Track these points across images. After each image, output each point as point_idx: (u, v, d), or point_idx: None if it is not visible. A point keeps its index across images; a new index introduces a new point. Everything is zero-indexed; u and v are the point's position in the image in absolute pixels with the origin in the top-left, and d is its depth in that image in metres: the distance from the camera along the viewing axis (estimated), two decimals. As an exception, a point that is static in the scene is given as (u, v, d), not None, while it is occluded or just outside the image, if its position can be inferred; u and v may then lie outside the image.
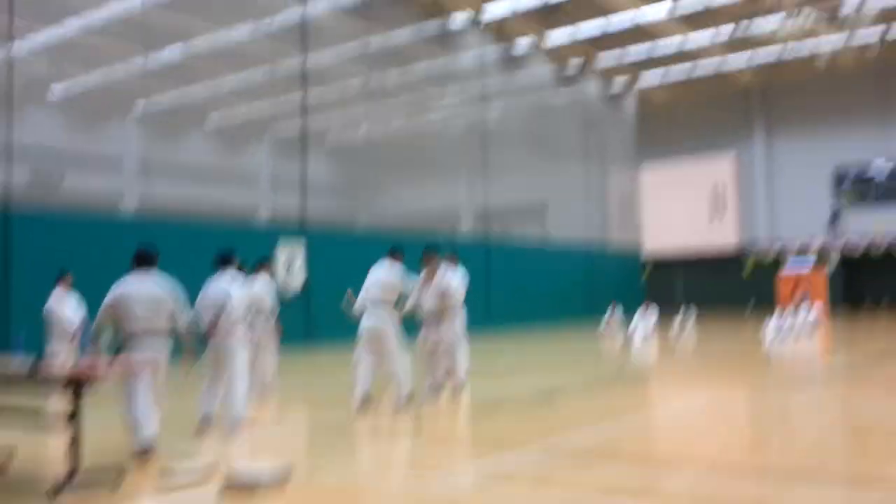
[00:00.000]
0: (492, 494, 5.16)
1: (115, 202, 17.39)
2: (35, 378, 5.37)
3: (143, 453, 6.14)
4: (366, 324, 8.93)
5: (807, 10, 22.67)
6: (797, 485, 5.39)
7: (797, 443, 6.83)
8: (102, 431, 7.71)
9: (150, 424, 6.28)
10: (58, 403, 8.73)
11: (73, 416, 5.17)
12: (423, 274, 9.66)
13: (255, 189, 21.92)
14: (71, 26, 16.96)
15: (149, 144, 17.61)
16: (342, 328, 12.88)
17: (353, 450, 6.96)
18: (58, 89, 17.75)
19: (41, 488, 5.18)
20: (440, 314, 9.50)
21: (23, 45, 15.51)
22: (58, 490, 5.08)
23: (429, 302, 9.48)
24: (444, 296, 9.48)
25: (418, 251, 9.68)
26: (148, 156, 17.47)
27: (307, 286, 18.56)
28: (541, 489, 5.23)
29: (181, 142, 20.42)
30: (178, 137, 20.26)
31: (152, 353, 6.51)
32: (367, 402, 8.68)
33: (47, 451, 7.53)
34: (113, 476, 5.39)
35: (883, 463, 5.92)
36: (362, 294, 9.00)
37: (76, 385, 5.19)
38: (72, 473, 5.17)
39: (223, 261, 7.98)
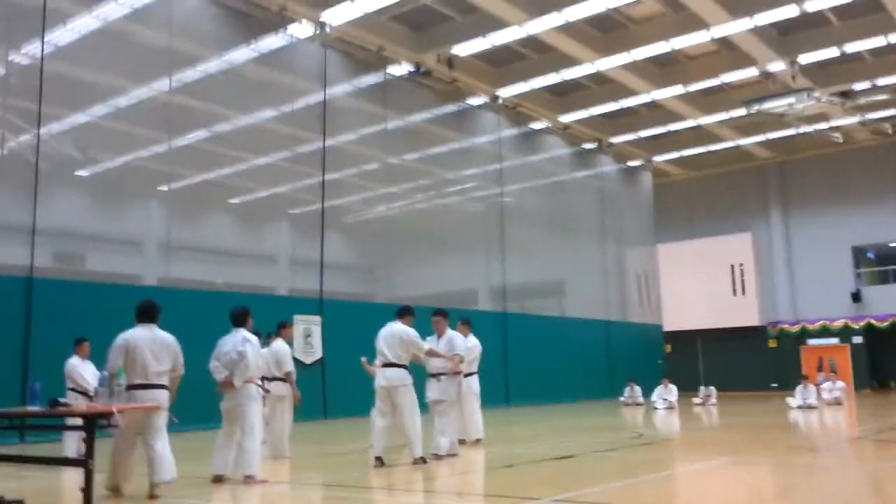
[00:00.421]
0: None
1: (136, 277, 17.68)
2: (53, 414, 5.44)
3: (162, 485, 6.53)
4: (377, 384, 8.98)
5: (817, 92, 23.09)
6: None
7: (817, 498, 6.69)
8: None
9: (170, 461, 6.67)
10: (72, 447, 8.78)
11: (88, 454, 5.21)
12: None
13: (274, 268, 22.16)
14: (98, 111, 17.61)
15: (171, 224, 17.98)
16: (359, 403, 12.87)
17: (365, 499, 6.89)
18: (83, 171, 18.29)
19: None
20: (440, 373, 9.48)
21: (51, 129, 16.11)
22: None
23: (432, 361, 9.47)
24: (448, 355, 9.46)
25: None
26: (170, 235, 17.83)
27: (324, 361, 18.58)
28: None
29: (203, 221, 20.82)
30: (201, 217, 20.67)
31: (156, 399, 6.67)
32: (381, 463, 8.62)
33: (64, 490, 7.54)
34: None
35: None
36: (377, 356, 9.08)
37: (91, 423, 5.25)
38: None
39: (238, 318, 8.09)
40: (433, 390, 9.50)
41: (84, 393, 9.55)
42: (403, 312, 9.15)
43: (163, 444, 6.77)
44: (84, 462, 5.24)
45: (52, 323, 13.37)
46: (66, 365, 10.00)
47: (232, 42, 18.67)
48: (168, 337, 6.99)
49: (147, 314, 7.00)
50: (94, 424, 5.30)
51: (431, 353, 9.19)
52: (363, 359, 10.62)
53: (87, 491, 5.22)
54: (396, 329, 8.95)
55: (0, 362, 12.96)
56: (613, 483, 7.29)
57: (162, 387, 6.86)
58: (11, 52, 15.52)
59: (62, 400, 5.86)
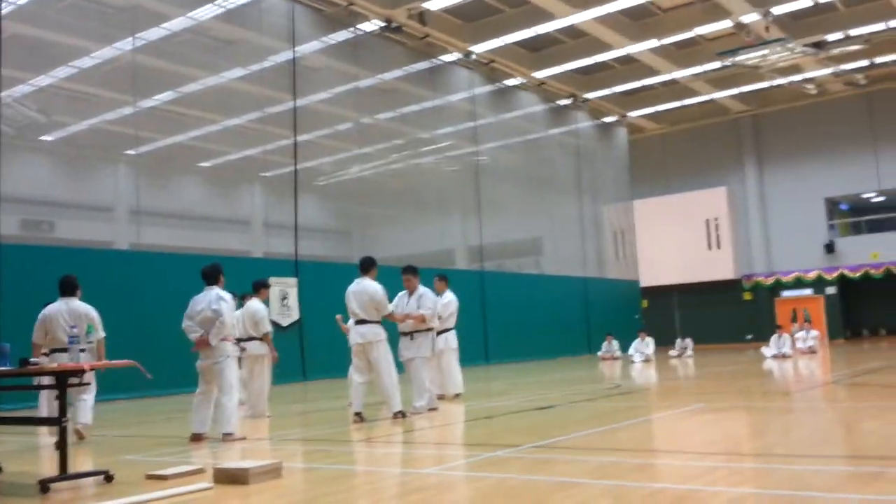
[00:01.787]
0: (484, 480, 5.10)
1: (107, 243, 17.43)
2: (23, 374, 5.35)
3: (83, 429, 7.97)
4: (352, 341, 8.95)
5: (791, 42, 23.02)
6: (789, 462, 5.34)
7: (792, 434, 6.78)
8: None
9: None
10: (44, 409, 8.75)
11: (61, 412, 5.13)
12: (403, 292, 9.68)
13: (248, 231, 21.96)
14: (60, 73, 17.17)
15: (140, 188, 17.68)
16: (338, 363, 12.85)
17: (345, 453, 6.89)
18: (48, 136, 17.90)
19: (34, 485, 5.11)
20: (413, 331, 9.45)
21: (12, 93, 15.69)
22: (49, 482, 5.03)
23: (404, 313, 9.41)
24: (411, 315, 9.39)
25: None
26: (139, 200, 17.54)
27: (301, 323, 18.52)
28: (532, 473, 5.17)
29: (174, 185, 20.52)
30: (171, 180, 20.37)
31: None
32: (360, 418, 8.62)
33: (38, 453, 7.48)
34: (103, 475, 5.34)
35: (878, 446, 5.89)
36: (350, 314, 9.03)
37: (62, 381, 5.16)
38: (63, 467, 5.12)
39: (209, 275, 7.97)
40: (407, 348, 9.48)
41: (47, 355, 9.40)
42: (367, 266, 9.02)
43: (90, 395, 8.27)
44: (58, 420, 5.16)
45: (23, 289, 13.14)
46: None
47: (197, -2, 18.21)
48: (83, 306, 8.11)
49: (68, 287, 8.16)
50: (66, 382, 5.20)
51: (390, 318, 9.07)
52: (338, 316, 10.57)
53: (61, 449, 5.15)
54: (365, 286, 8.85)
55: (-30, 329, 12.75)
56: (591, 430, 7.34)
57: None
58: (-32, 13, 15.05)
59: (32, 360, 5.74)
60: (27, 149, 16.69)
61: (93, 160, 18.42)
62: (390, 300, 9.19)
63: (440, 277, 11.64)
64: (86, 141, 18.26)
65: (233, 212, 21.66)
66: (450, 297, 11.43)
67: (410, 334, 9.44)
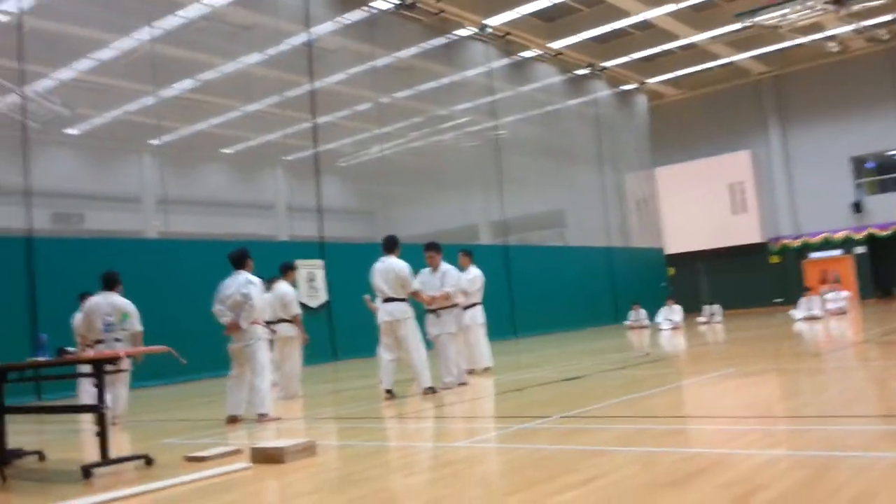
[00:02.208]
0: (514, 451, 5.17)
1: (136, 232, 17.68)
2: (61, 363, 5.49)
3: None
4: (380, 319, 9.03)
5: (810, 0, 22.57)
6: (822, 422, 5.35)
7: (823, 395, 6.78)
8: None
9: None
10: (86, 398, 9.01)
11: (100, 399, 5.26)
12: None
13: (273, 215, 22.14)
14: (81, 65, 17.33)
15: (166, 177, 17.87)
16: (368, 343, 12.98)
17: (377, 429, 7.00)
18: (72, 129, 18.11)
19: (77, 470, 5.27)
20: (439, 308, 9.49)
21: (35, 88, 15.89)
22: (91, 468, 5.18)
23: (429, 295, 9.45)
24: (434, 295, 9.43)
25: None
26: (166, 188, 17.72)
27: (330, 305, 18.68)
28: (562, 443, 5.23)
29: (198, 172, 20.74)
30: (195, 168, 20.58)
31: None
32: (391, 395, 8.73)
33: (79, 440, 7.69)
34: (143, 459, 5.48)
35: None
36: (377, 293, 9.11)
37: (100, 368, 5.29)
38: (104, 453, 5.26)
39: (237, 260, 8.08)
40: (433, 325, 9.54)
41: (92, 346, 9.62)
42: (391, 244, 9.09)
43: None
44: (97, 407, 5.29)
45: (56, 281, 13.41)
46: (72, 320, 10.06)
47: (211, -15, 18.26)
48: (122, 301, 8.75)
49: (109, 281, 8.81)
50: (103, 370, 5.33)
51: (417, 297, 9.15)
52: (366, 296, 10.68)
53: (102, 435, 5.29)
54: (390, 264, 8.93)
55: (8, 322, 13.06)
56: (621, 398, 7.38)
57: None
58: (-12, 11, 15.23)
59: (69, 349, 5.89)
60: (53, 143, 16.92)
61: (118, 151, 18.65)
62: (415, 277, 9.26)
63: (464, 253, 11.70)
64: (110, 132, 18.48)
65: (256, 196, 21.84)
66: (475, 272, 11.48)
67: (436, 311, 9.51)
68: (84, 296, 10.26)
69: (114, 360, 5.35)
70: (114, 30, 17.04)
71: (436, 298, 9.37)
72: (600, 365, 11.52)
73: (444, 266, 9.68)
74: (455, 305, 9.66)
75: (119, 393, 8.57)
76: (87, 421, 8.59)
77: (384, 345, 9.07)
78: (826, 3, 23.12)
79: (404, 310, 8.90)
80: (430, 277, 9.61)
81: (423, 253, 9.75)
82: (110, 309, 8.35)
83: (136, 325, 8.83)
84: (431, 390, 8.79)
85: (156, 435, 7.51)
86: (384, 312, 8.94)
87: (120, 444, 6.89)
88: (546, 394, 8.41)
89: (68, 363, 5.69)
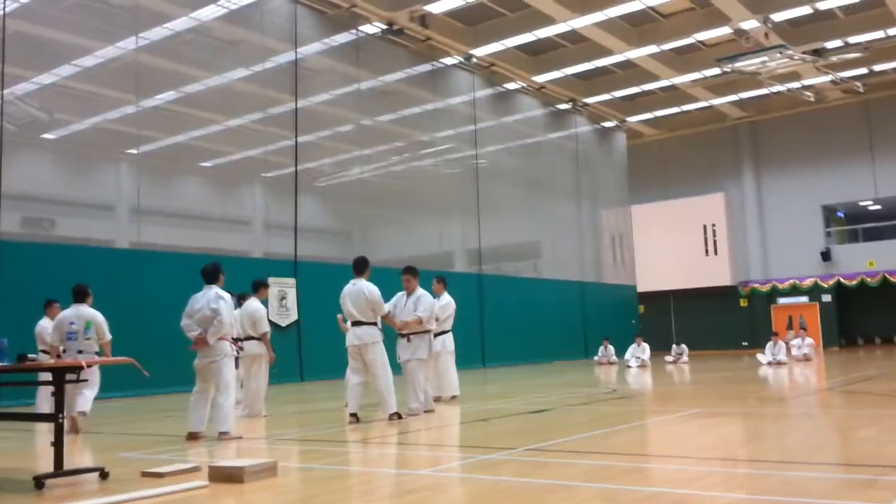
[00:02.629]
0: (478, 482, 5.14)
1: (108, 241, 17.46)
2: (21, 369, 5.38)
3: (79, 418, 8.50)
4: (348, 342, 8.98)
5: (790, 49, 23.10)
6: (784, 468, 5.38)
7: (786, 440, 6.82)
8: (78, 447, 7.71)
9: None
10: (44, 407, 8.87)
11: (58, 408, 5.16)
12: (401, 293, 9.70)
13: (248, 231, 21.98)
14: (63, 71, 17.20)
15: (142, 187, 17.70)
16: (336, 365, 12.89)
17: (341, 453, 6.93)
18: (49, 134, 17.93)
19: (29, 480, 5.15)
20: (411, 333, 9.46)
21: (14, 90, 15.73)
22: (44, 478, 5.06)
23: (401, 320, 9.43)
24: (415, 316, 9.41)
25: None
26: (140, 199, 17.56)
27: (299, 324, 18.55)
28: (526, 476, 5.21)
29: (175, 184, 20.57)
30: (172, 180, 20.41)
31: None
32: (356, 419, 8.65)
33: (34, 450, 7.52)
34: (98, 472, 5.37)
35: (873, 454, 5.93)
36: (346, 315, 9.06)
37: (60, 377, 5.20)
38: (58, 464, 5.15)
39: (209, 274, 8.01)
40: (404, 350, 9.49)
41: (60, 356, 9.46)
42: (361, 266, 9.04)
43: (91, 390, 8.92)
44: (54, 416, 5.19)
45: (22, 286, 13.18)
46: (36, 326, 9.89)
47: (199, -1, 18.27)
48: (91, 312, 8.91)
49: (80, 294, 8.97)
50: (63, 379, 5.23)
51: (388, 321, 9.11)
52: (339, 316, 10.60)
53: (57, 445, 5.18)
54: (360, 287, 8.87)
55: (-31, 326, 12.80)
56: (586, 433, 7.38)
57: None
58: (-29, 11, 15.08)
59: (30, 355, 5.78)
60: (29, 146, 16.71)
61: (95, 159, 18.45)
62: (387, 300, 9.23)
63: (438, 279, 11.69)
64: (88, 139, 18.28)
65: (233, 212, 21.67)
66: (447, 299, 11.47)
67: (408, 336, 9.46)
68: (50, 302, 10.12)
69: (75, 369, 5.26)
70: (99, 37, 16.96)
71: (408, 323, 9.34)
72: (567, 399, 11.52)
73: (419, 291, 9.65)
74: (427, 332, 9.63)
75: (87, 395, 8.76)
76: (44, 430, 8.43)
77: (351, 368, 9.02)
78: (804, 53, 23.67)
79: (373, 334, 8.85)
80: (404, 301, 9.58)
81: (400, 276, 9.72)
82: (78, 321, 8.68)
83: (105, 334, 8.96)
84: (397, 416, 8.73)
85: (114, 447, 7.37)
86: (352, 336, 8.90)
87: (76, 455, 6.75)
88: (512, 425, 8.39)
89: (28, 370, 5.58)
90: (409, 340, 9.46)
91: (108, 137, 18.56)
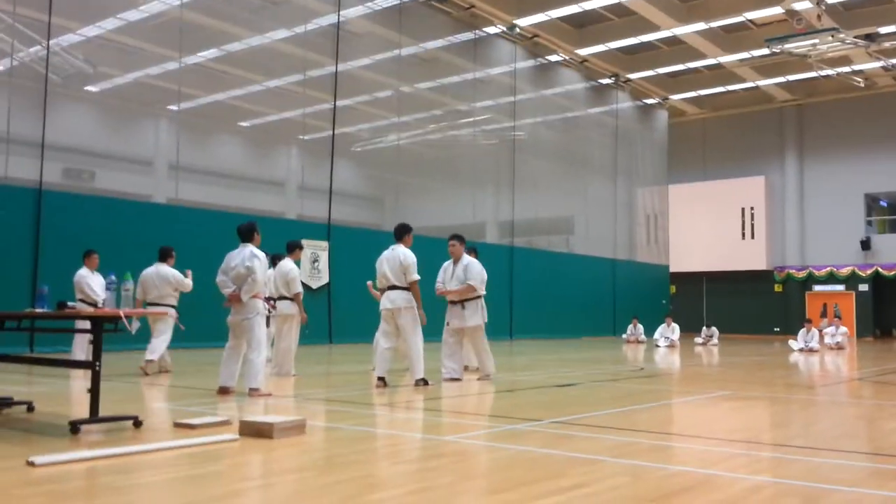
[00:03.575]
0: (503, 451, 5.18)
1: (146, 196, 17.70)
2: (60, 316, 5.50)
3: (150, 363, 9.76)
4: (382, 306, 9.05)
5: (842, 33, 22.50)
6: (809, 454, 5.34)
7: (813, 427, 6.77)
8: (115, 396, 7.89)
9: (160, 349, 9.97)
10: (80, 355, 9.08)
11: (95, 356, 5.28)
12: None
13: (283, 193, 22.14)
14: (108, 24, 17.35)
15: (181, 144, 17.88)
16: (364, 329, 13.01)
17: (367, 415, 7.01)
18: (93, 87, 18.13)
19: (65, 425, 5.29)
20: (463, 300, 9.53)
21: (60, 42, 15.91)
22: (80, 424, 5.20)
23: (452, 286, 9.52)
24: (467, 280, 9.48)
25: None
26: (179, 155, 17.74)
27: (330, 287, 18.71)
28: (551, 447, 5.23)
29: (213, 143, 20.73)
30: (210, 138, 20.58)
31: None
32: (383, 383, 8.74)
33: (72, 394, 7.72)
34: (132, 420, 5.50)
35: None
36: (379, 280, 9.14)
37: (98, 326, 5.31)
38: (94, 410, 5.28)
39: (245, 233, 8.09)
40: (458, 318, 9.53)
41: (93, 304, 9.66)
42: (402, 232, 9.10)
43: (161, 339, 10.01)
44: (91, 364, 5.31)
45: (62, 235, 13.45)
46: (75, 276, 10.09)
47: (244, -43, 18.26)
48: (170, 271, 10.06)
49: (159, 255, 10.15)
50: (101, 328, 5.34)
51: (413, 287, 8.94)
52: (370, 283, 10.68)
53: (93, 392, 5.30)
54: (398, 252, 8.94)
55: (11, 271, 13.12)
56: (612, 409, 7.39)
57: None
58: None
59: (69, 303, 5.90)
60: (72, 98, 16.93)
61: (135, 113, 18.65)
62: (427, 269, 9.24)
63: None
64: (130, 94, 18.47)
65: (269, 173, 21.82)
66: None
67: (461, 303, 9.52)
68: (89, 253, 10.31)
69: (113, 319, 5.36)
70: (144, -9, 17.06)
71: (460, 291, 9.41)
72: (594, 375, 11.52)
73: (466, 259, 9.70)
74: (479, 297, 9.66)
75: (154, 343, 9.99)
76: (79, 377, 8.64)
77: (383, 332, 9.08)
78: (856, 37, 23.06)
79: (407, 298, 8.90)
80: (451, 269, 9.63)
81: (434, 245, 9.77)
82: (158, 278, 10.00)
83: (184, 286, 10.27)
84: (424, 382, 8.80)
85: (148, 398, 7.54)
86: (386, 300, 8.97)
87: (112, 403, 6.91)
88: (538, 397, 8.41)
89: (67, 317, 5.70)
90: (463, 307, 9.52)
91: (150, 93, 18.74)
